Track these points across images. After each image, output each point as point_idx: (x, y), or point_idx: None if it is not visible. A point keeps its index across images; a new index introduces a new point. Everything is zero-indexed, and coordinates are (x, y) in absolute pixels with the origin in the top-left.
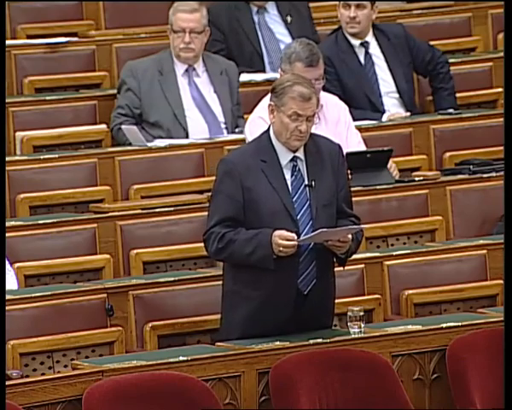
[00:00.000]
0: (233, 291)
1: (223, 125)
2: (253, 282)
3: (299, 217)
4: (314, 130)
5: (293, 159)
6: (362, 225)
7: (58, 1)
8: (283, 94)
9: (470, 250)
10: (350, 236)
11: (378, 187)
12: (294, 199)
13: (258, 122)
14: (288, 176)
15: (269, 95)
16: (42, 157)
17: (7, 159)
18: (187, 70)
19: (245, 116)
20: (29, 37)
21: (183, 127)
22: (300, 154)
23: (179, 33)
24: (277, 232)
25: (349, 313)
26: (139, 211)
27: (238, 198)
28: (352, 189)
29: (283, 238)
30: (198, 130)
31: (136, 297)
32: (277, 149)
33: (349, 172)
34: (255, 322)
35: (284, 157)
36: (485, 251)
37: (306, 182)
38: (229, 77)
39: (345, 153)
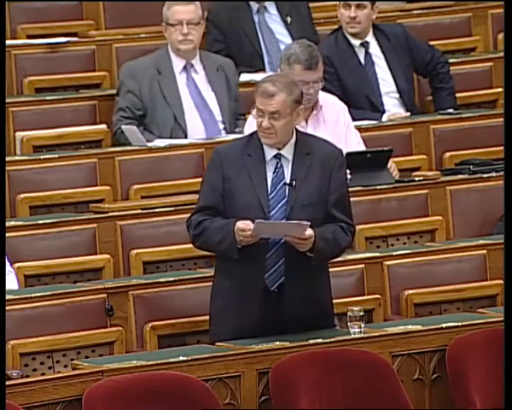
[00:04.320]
0: (214, 283)
1: (221, 125)
2: (227, 273)
3: (272, 213)
4: (313, 131)
5: (277, 156)
6: (306, 222)
7: (58, 1)
8: (255, 90)
9: (470, 250)
10: (309, 233)
11: (378, 187)
12: (271, 196)
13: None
14: (269, 173)
15: None
16: (42, 157)
17: (7, 159)
18: (185, 67)
19: (246, 116)
20: (29, 37)
21: (183, 128)
22: (287, 153)
23: (176, 26)
24: (240, 221)
25: (349, 313)
26: (139, 211)
27: (218, 187)
28: (352, 189)
29: (241, 224)
30: (196, 130)
31: (136, 297)
32: (264, 146)
33: (348, 172)
34: (227, 315)
35: (269, 153)
36: (485, 251)
37: (287, 180)
38: (226, 73)
39: (344, 153)
